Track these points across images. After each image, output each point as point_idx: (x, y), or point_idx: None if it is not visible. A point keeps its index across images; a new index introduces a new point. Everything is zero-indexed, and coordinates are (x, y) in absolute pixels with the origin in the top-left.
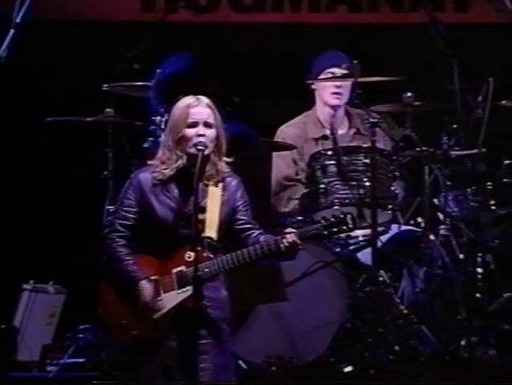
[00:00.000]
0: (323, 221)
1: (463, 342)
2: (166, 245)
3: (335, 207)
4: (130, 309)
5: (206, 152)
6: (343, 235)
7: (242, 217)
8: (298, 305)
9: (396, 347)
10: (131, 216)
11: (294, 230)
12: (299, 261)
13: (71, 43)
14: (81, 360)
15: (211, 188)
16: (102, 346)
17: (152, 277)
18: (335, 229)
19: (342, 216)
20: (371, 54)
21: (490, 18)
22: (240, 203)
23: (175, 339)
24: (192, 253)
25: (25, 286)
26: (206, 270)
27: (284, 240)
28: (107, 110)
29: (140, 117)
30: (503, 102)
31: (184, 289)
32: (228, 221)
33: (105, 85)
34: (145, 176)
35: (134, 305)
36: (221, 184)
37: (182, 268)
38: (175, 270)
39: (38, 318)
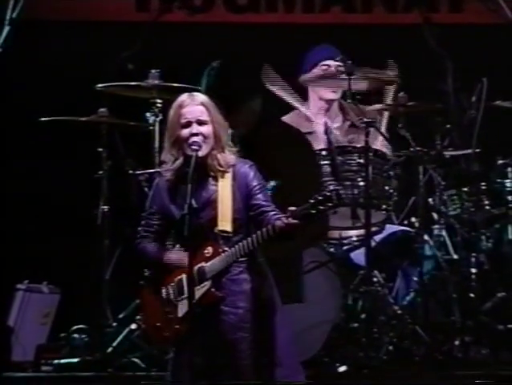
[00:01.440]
0: (311, 200)
1: (457, 342)
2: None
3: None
4: (162, 311)
5: (201, 153)
6: (336, 235)
7: (256, 202)
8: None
9: (390, 347)
10: (153, 222)
11: (294, 208)
12: None
13: (65, 43)
14: (75, 360)
15: (220, 181)
16: (96, 346)
17: (177, 278)
18: (321, 207)
19: (328, 193)
20: (365, 54)
21: (484, 18)
22: (251, 187)
23: (200, 336)
24: (210, 248)
25: (19, 286)
26: (219, 263)
27: (279, 222)
28: (101, 110)
29: (134, 117)
30: (497, 102)
31: (202, 285)
32: (243, 208)
33: (99, 85)
34: (161, 182)
35: (165, 305)
36: (230, 173)
37: (202, 264)
38: (196, 266)
39: (33, 317)
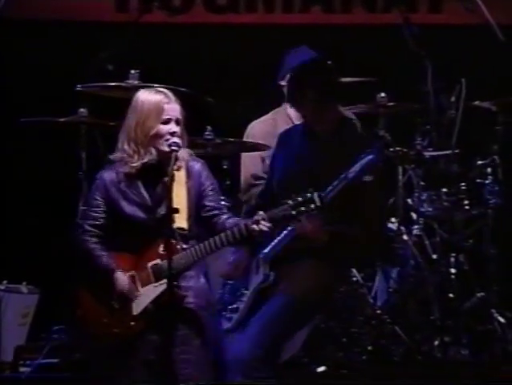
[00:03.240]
0: (290, 202)
1: (436, 342)
2: (139, 240)
3: None
4: (110, 307)
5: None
6: None
7: (209, 203)
8: None
9: (370, 347)
10: (99, 215)
11: (263, 213)
12: None
13: (44, 43)
14: (54, 361)
15: (175, 179)
16: (75, 346)
17: (129, 273)
18: (302, 208)
19: (309, 194)
20: (345, 54)
21: (463, 19)
22: (205, 187)
23: (155, 334)
24: (165, 245)
25: None
26: (182, 261)
27: (255, 226)
28: (81, 110)
29: (114, 117)
30: (476, 102)
31: (160, 282)
32: (196, 207)
33: (79, 85)
34: (110, 175)
35: (113, 302)
36: (184, 170)
37: (157, 261)
38: (150, 264)
39: (12, 318)
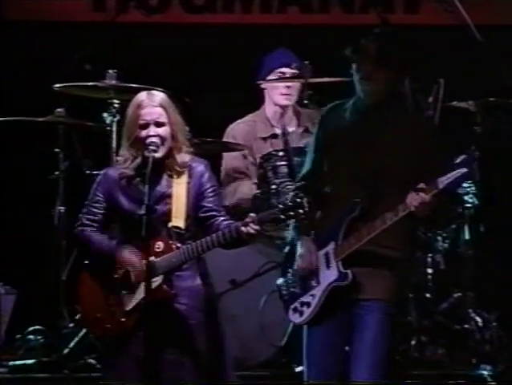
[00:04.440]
0: (280, 206)
1: (413, 342)
2: (135, 237)
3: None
4: (104, 302)
5: (158, 155)
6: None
7: (207, 204)
8: (251, 306)
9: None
10: (98, 211)
11: (254, 215)
12: (251, 262)
13: (21, 43)
14: (30, 361)
15: (175, 178)
16: (52, 347)
17: (124, 269)
18: (291, 213)
19: (299, 200)
20: (323, 54)
21: (440, 19)
22: (205, 188)
23: (146, 331)
24: (161, 243)
25: None
26: (173, 260)
27: (243, 228)
28: (58, 110)
29: (92, 117)
30: (454, 103)
31: (153, 280)
32: (194, 208)
33: (56, 85)
34: (112, 172)
35: (108, 297)
36: (185, 172)
37: (152, 258)
38: (144, 261)
39: None
